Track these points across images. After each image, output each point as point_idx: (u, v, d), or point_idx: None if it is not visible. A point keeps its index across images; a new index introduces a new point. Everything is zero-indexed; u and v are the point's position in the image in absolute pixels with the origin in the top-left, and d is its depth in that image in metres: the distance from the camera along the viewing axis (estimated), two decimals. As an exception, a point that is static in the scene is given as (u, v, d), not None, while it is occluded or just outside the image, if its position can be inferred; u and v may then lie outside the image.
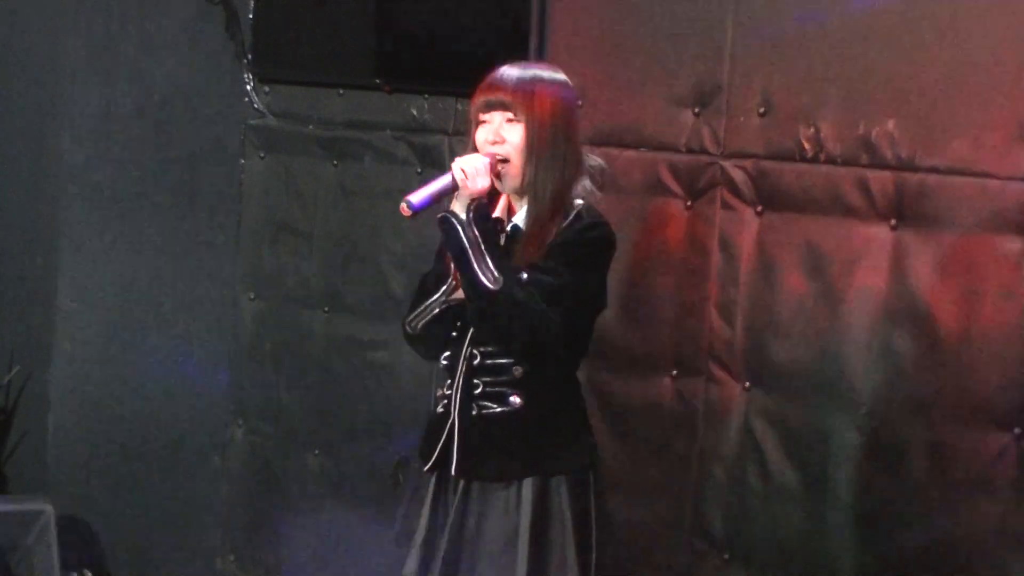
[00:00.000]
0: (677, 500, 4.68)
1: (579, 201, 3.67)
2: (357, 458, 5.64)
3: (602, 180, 3.81)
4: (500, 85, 3.65)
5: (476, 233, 3.56)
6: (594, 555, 3.69)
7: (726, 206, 4.60)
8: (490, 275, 3.52)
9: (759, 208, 4.54)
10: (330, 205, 5.73)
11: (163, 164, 5.84)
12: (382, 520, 5.54)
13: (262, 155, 5.94)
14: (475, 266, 3.53)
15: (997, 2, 4.11)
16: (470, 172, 3.58)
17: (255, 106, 5.92)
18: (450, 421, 3.70)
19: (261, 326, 5.95)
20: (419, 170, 5.41)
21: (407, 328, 3.82)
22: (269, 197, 5.93)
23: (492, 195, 3.69)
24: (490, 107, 3.65)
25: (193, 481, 5.98)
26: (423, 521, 3.77)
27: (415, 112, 5.45)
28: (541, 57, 4.98)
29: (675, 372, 4.69)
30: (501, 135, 3.64)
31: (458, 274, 3.62)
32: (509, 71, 3.70)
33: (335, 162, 5.71)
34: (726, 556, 4.62)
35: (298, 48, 5.72)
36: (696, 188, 4.66)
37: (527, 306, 3.53)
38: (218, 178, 5.95)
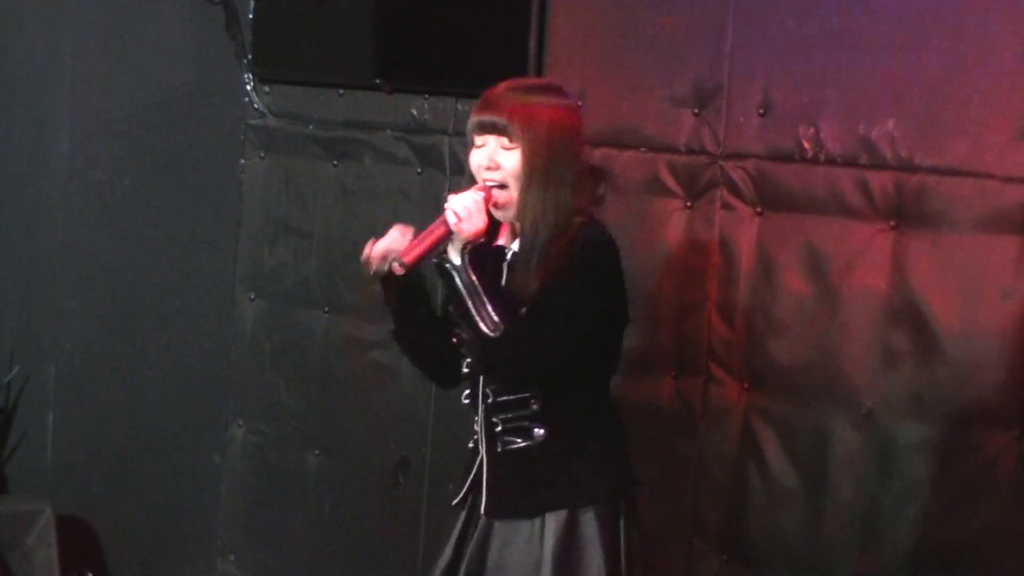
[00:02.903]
0: (677, 500, 4.67)
1: (578, 219, 3.51)
2: (357, 458, 5.64)
3: (604, 186, 3.69)
4: (496, 106, 3.48)
5: (472, 279, 3.43)
6: None
7: (726, 206, 4.60)
8: (489, 321, 3.41)
9: (759, 208, 4.54)
10: (330, 205, 5.73)
11: (163, 164, 5.84)
12: (381, 520, 5.56)
13: (262, 155, 5.94)
14: (473, 313, 3.42)
15: (997, 2, 4.11)
16: (463, 215, 3.43)
17: (255, 106, 5.92)
18: (478, 459, 3.62)
19: (261, 326, 5.95)
20: (419, 170, 5.41)
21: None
22: (269, 197, 5.92)
23: (495, 222, 3.56)
24: (484, 129, 3.48)
25: (193, 481, 5.98)
26: (447, 550, 3.68)
27: (415, 112, 5.45)
28: (540, 56, 4.98)
29: (675, 372, 4.69)
30: (496, 161, 3.48)
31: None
32: (505, 91, 3.51)
33: (335, 162, 5.71)
34: (726, 556, 4.62)
35: (298, 48, 5.71)
36: (696, 188, 4.66)
37: (528, 348, 3.43)
38: (218, 178, 5.95)
